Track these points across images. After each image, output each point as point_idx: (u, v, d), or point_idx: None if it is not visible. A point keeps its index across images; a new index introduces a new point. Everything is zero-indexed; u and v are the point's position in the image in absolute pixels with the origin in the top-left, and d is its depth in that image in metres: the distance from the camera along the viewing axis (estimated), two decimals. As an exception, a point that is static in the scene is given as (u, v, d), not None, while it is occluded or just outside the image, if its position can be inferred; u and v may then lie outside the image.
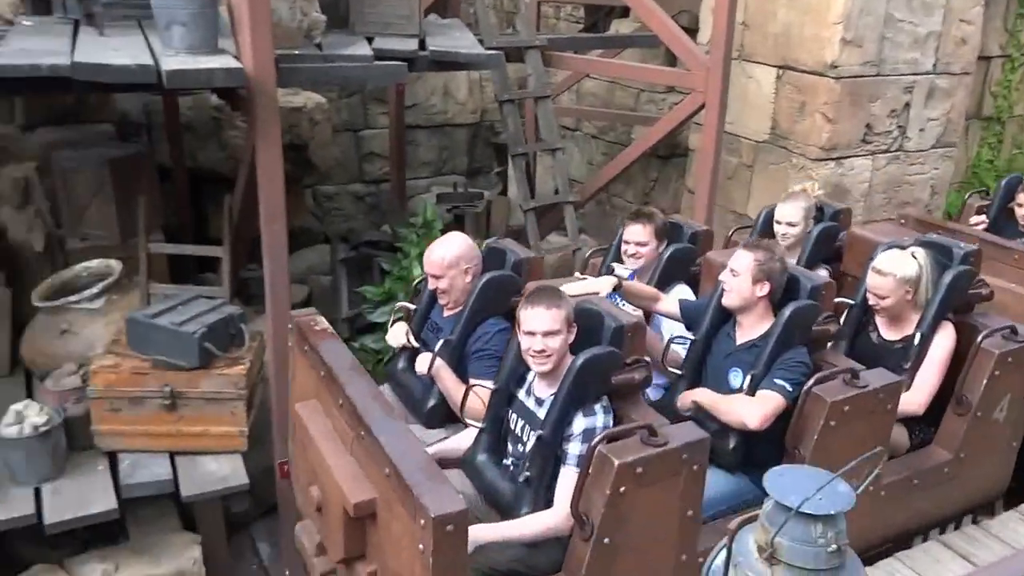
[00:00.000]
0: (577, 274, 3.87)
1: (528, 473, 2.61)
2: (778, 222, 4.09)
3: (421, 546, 2.11)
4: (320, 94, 6.70)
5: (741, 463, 2.99)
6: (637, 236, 3.74)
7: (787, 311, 3.00)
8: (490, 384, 2.92)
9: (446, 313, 3.34)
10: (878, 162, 5.81)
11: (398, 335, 3.38)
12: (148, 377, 3.87)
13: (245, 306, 4.74)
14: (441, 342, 3.17)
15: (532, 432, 2.67)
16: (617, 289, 3.34)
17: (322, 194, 8.24)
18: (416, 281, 3.47)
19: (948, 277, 3.43)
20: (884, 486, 3.14)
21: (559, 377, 2.67)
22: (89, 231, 5.03)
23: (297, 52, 4.03)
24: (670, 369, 3.27)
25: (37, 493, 3.69)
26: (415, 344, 3.30)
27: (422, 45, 4.62)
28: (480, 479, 2.77)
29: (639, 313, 3.41)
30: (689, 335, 3.37)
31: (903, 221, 4.69)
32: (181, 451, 3.93)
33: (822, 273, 3.82)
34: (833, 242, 4.10)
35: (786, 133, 5.71)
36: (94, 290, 4.38)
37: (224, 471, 3.86)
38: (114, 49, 3.59)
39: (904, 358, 3.38)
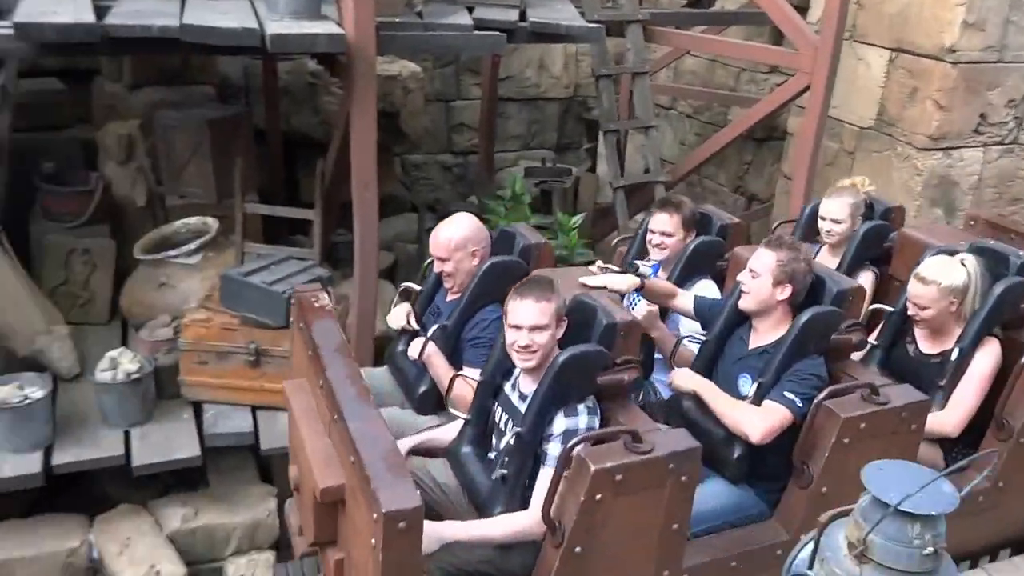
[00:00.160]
0: (599, 263, 3.70)
1: (504, 471, 2.50)
2: (822, 218, 3.83)
3: (373, 540, 2.05)
4: (415, 63, 6.78)
5: (746, 475, 2.78)
6: (662, 226, 3.53)
7: (804, 317, 2.76)
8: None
9: (449, 297, 3.22)
10: (990, 154, 5.51)
11: (399, 316, 3.26)
12: (236, 333, 4.05)
13: (333, 270, 4.88)
14: (435, 327, 3.07)
15: (514, 428, 2.54)
16: (640, 289, 3.17)
17: (411, 163, 8.37)
18: (428, 262, 3.32)
19: (999, 288, 3.14)
20: None
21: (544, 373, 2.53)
22: (188, 189, 5.25)
23: (398, 20, 4.09)
24: (661, 379, 3.08)
25: (126, 436, 3.93)
26: (415, 326, 3.19)
27: (522, 16, 4.61)
28: (463, 472, 2.66)
29: (655, 308, 3.27)
30: (704, 334, 3.15)
31: (972, 223, 4.27)
32: (262, 406, 4.11)
33: (866, 275, 3.65)
34: (882, 242, 3.81)
35: (893, 120, 5.48)
36: (191, 246, 4.58)
37: (304, 429, 4.01)
38: (221, 12, 3.73)
39: (940, 374, 3.12)
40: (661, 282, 3.35)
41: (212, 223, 4.83)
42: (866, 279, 3.65)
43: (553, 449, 2.42)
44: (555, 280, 2.66)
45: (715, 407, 2.76)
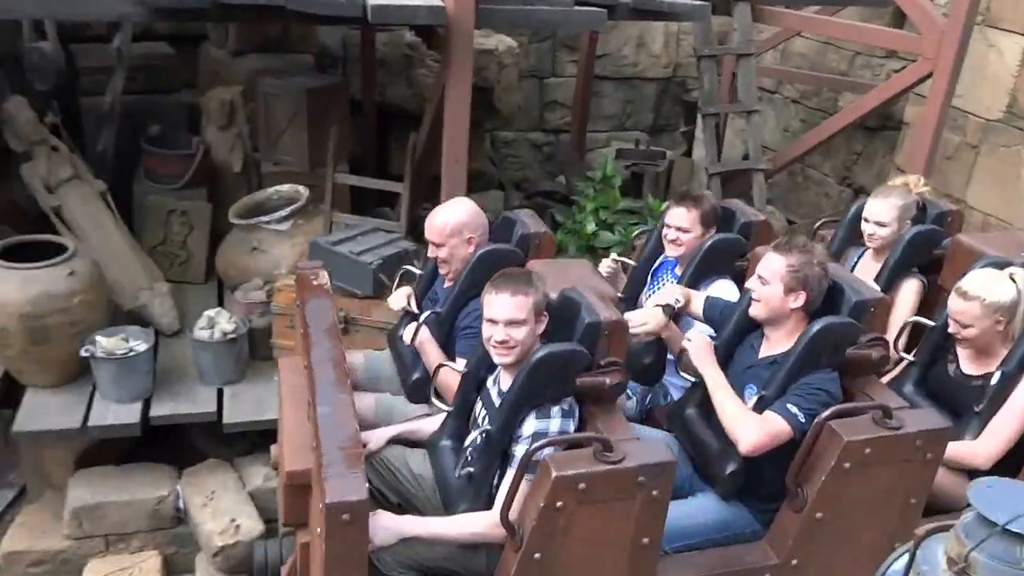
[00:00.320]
0: (614, 255, 3.62)
1: (471, 469, 2.45)
2: (865, 220, 3.54)
3: (319, 529, 2.05)
4: (512, 37, 6.84)
5: (739, 492, 2.65)
6: (679, 220, 3.34)
7: (814, 328, 2.58)
8: None
9: (446, 284, 3.17)
10: None
11: (399, 299, 3.22)
12: (325, 300, 4.21)
13: (417, 243, 5.01)
14: (427, 313, 3.02)
15: (486, 425, 2.50)
16: (676, 319, 3.03)
17: (500, 139, 8.46)
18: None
19: None
20: None
21: None
22: (282, 156, 5.48)
23: (497, -7, 4.16)
24: (683, 375, 2.94)
25: (219, 394, 4.17)
26: (415, 309, 3.15)
27: (624, -8, 4.61)
28: (438, 465, 2.63)
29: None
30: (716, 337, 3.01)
31: None
32: (349, 373, 4.27)
33: (910, 284, 3.44)
34: (931, 248, 3.53)
35: None
36: (283, 213, 4.79)
37: (386, 397, 4.17)
38: (325, -18, 3.86)
39: (980, 398, 2.89)
40: (674, 287, 3.21)
41: (303, 191, 5.03)
42: (910, 288, 3.44)
43: (520, 451, 2.36)
44: (535, 273, 2.59)
45: (715, 399, 2.63)
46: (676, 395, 3.14)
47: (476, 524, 2.37)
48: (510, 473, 2.33)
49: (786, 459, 2.49)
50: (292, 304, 4.23)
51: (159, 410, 4.01)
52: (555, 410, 2.38)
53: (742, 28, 5.83)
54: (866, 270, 3.53)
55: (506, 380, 2.51)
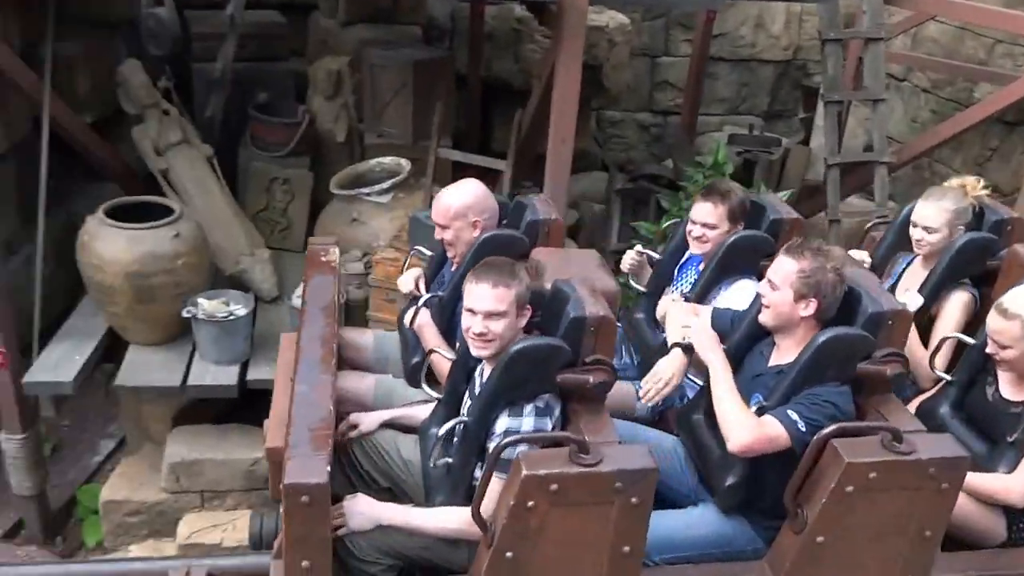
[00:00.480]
0: (639, 247, 3.50)
1: (450, 460, 2.43)
2: (914, 224, 3.32)
3: (283, 509, 2.06)
4: (624, 14, 6.76)
5: (739, 506, 2.56)
6: (705, 216, 3.19)
7: (820, 338, 2.46)
8: None
9: (453, 267, 3.11)
10: None
11: (408, 281, 3.23)
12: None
13: (517, 222, 5.03)
14: (428, 296, 3.02)
15: (467, 416, 2.48)
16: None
17: (606, 119, 8.39)
18: None
19: None
20: None
21: None
22: (386, 128, 5.59)
23: (612, -32, 4.12)
24: (690, 379, 2.84)
25: (313, 363, 4.28)
26: (422, 292, 3.15)
27: (746, -31, 4.49)
28: (425, 453, 2.61)
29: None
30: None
31: None
32: (442, 349, 4.33)
33: (959, 296, 3.21)
34: (985, 258, 3.29)
35: None
36: (384, 185, 4.90)
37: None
38: (439, -47, 3.90)
39: (1015, 427, 2.72)
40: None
41: (405, 164, 5.12)
42: (958, 301, 3.22)
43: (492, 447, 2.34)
44: (519, 264, 2.54)
45: (715, 392, 2.54)
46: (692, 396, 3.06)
47: (451, 520, 2.37)
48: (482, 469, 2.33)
49: (790, 471, 2.39)
50: (390, 277, 4.33)
51: (256, 373, 4.18)
52: (528, 408, 2.34)
53: (872, 10, 5.60)
54: (913, 279, 3.33)
55: (488, 372, 2.48)
